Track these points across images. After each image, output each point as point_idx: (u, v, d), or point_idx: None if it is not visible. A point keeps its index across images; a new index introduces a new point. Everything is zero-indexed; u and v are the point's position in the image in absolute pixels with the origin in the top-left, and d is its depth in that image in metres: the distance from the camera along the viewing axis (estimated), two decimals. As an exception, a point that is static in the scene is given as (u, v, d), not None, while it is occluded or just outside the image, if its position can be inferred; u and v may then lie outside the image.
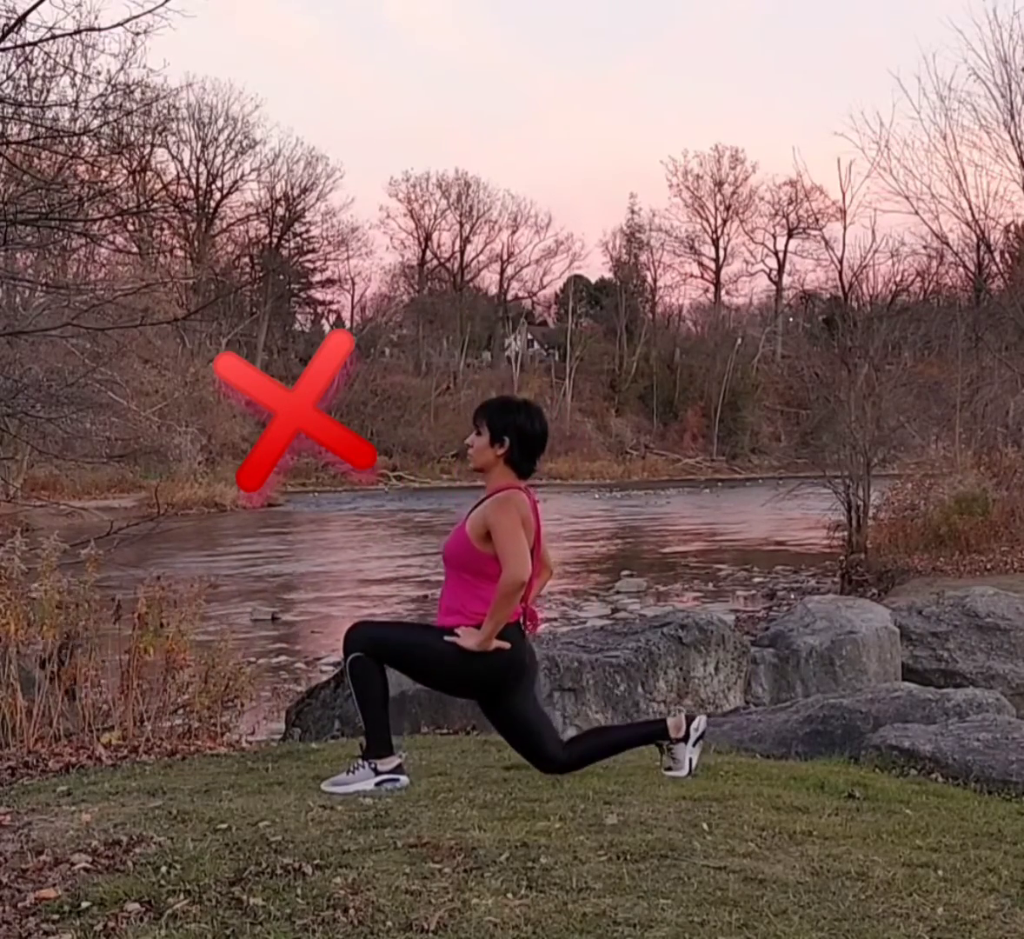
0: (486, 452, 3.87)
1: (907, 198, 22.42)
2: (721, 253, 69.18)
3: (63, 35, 7.16)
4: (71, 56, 8.30)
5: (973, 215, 22.68)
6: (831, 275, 27.01)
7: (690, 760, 4.02)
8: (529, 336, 67.81)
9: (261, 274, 56.96)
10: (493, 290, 68.77)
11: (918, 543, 16.25)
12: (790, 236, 66.92)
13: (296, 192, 58.42)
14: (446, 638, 3.75)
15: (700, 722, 4.08)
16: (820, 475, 19.20)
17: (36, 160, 9.82)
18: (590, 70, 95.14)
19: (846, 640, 8.11)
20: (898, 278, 27.90)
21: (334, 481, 50.74)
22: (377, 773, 3.76)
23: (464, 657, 3.73)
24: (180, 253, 48.88)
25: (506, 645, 3.74)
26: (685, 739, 4.02)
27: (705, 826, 3.29)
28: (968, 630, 9.31)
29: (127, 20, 6.88)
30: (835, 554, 18.58)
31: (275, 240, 59.29)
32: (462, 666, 3.76)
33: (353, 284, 64.24)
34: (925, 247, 25.59)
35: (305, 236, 61.50)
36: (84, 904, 2.57)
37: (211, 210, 55.73)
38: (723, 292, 70.07)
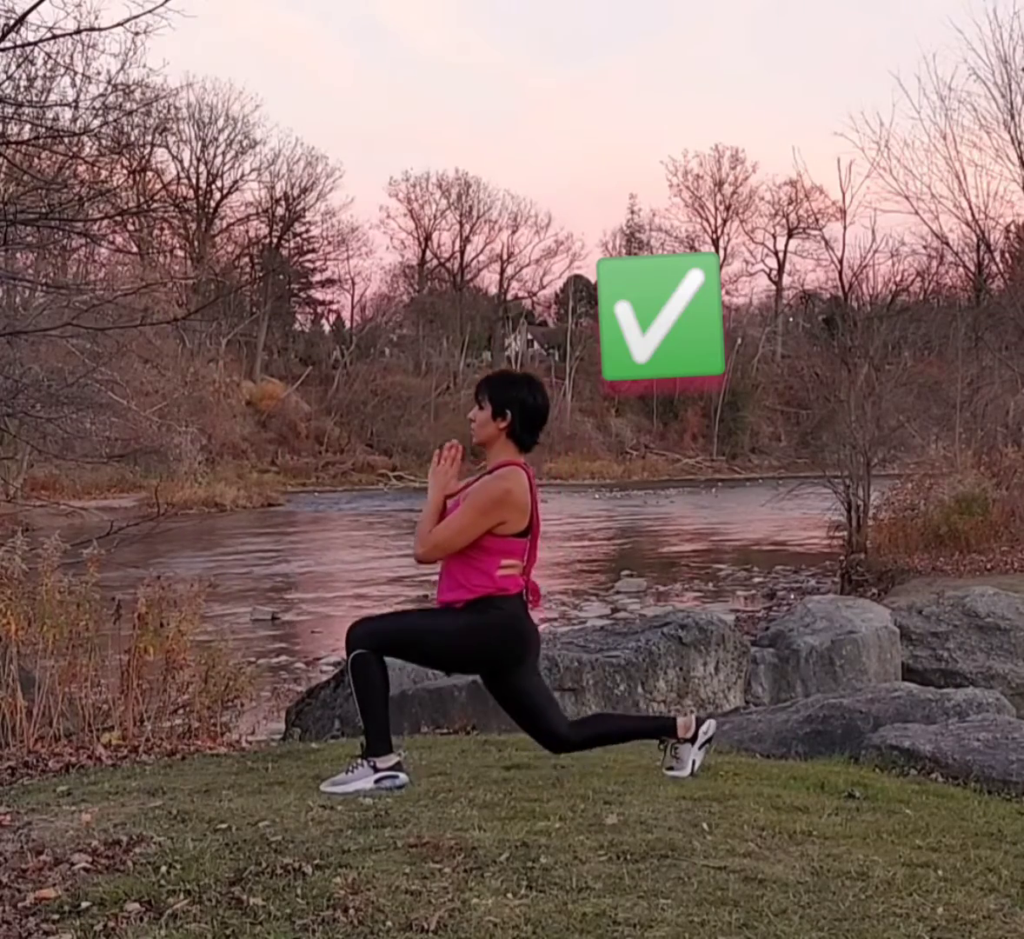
0: (488, 426, 3.88)
1: (907, 198, 22.46)
2: (721, 253, 68.99)
3: (63, 35, 7.17)
4: (71, 56, 8.31)
5: (973, 215, 22.72)
6: (831, 275, 26.98)
7: (694, 762, 4.01)
8: (529, 336, 67.81)
9: (261, 274, 56.95)
10: (493, 290, 68.79)
11: (918, 543, 16.24)
12: (790, 236, 66.93)
13: (296, 192, 58.44)
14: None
15: (710, 726, 4.07)
16: (820, 475, 19.19)
17: (36, 160, 9.82)
18: (590, 70, 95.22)
19: (846, 640, 8.11)
20: (898, 278, 27.87)
21: (334, 481, 50.80)
22: (376, 770, 3.76)
23: (466, 633, 3.76)
24: (180, 253, 48.88)
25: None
26: (692, 741, 4.02)
27: (705, 826, 3.29)
28: (968, 630, 9.31)
29: (127, 20, 6.88)
30: (835, 554, 18.58)
31: (275, 240, 59.28)
32: (465, 641, 3.78)
33: (353, 284, 64.25)
34: (925, 247, 25.61)
35: (305, 236, 61.52)
36: (84, 904, 2.57)
37: (211, 210, 55.72)
38: (723, 292, 70.00)
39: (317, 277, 63.61)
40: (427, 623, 3.88)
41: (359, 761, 3.78)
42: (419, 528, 3.85)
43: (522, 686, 3.91)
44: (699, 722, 4.05)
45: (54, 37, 7.21)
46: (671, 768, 4.02)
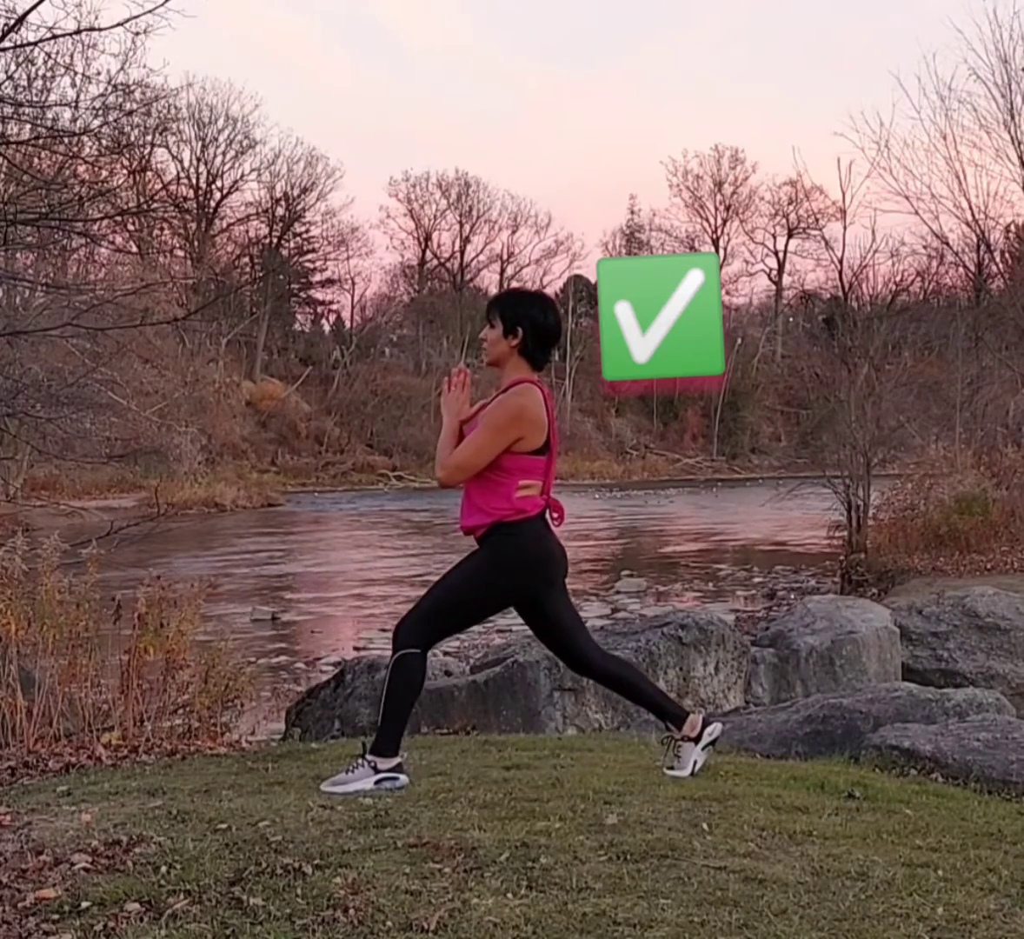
0: (500, 344, 3.88)
1: (907, 198, 22.46)
2: (721, 253, 68.98)
3: (63, 35, 7.17)
4: (71, 56, 8.32)
5: (973, 215, 22.72)
6: (831, 275, 27.04)
7: (695, 762, 4.00)
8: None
9: (261, 274, 56.95)
10: (493, 290, 68.75)
11: (918, 543, 16.25)
12: (790, 236, 66.93)
13: (296, 192, 58.43)
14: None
15: (716, 729, 4.05)
16: (820, 475, 19.19)
17: (36, 160, 9.83)
18: (590, 70, 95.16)
19: (846, 640, 8.11)
20: (898, 278, 27.88)
21: (334, 481, 50.81)
22: (376, 771, 3.75)
23: (495, 570, 3.79)
24: (180, 253, 48.87)
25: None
26: (696, 740, 4.00)
27: (705, 826, 3.29)
28: (968, 630, 9.31)
29: (127, 20, 6.88)
30: (835, 554, 18.57)
31: (275, 240, 59.28)
32: (497, 579, 3.81)
33: (353, 284, 64.24)
34: (925, 247, 25.62)
35: (305, 236, 61.51)
36: (84, 904, 2.56)
37: (211, 210, 55.71)
38: (723, 292, 70.03)
39: (317, 277, 63.63)
40: (456, 581, 3.85)
41: (360, 761, 3.78)
42: (439, 453, 3.82)
43: (555, 610, 3.93)
44: (706, 723, 4.04)
45: (54, 37, 7.21)
46: (671, 767, 4.01)
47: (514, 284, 68.64)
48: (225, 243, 58.10)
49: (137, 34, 7.10)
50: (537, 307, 3.91)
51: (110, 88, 8.54)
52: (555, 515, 3.89)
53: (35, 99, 8.78)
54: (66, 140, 9.17)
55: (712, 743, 4.05)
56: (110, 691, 5.47)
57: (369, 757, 3.77)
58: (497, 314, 3.89)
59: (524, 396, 3.79)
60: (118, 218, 10.10)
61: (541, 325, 3.86)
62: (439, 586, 3.89)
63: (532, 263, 68.19)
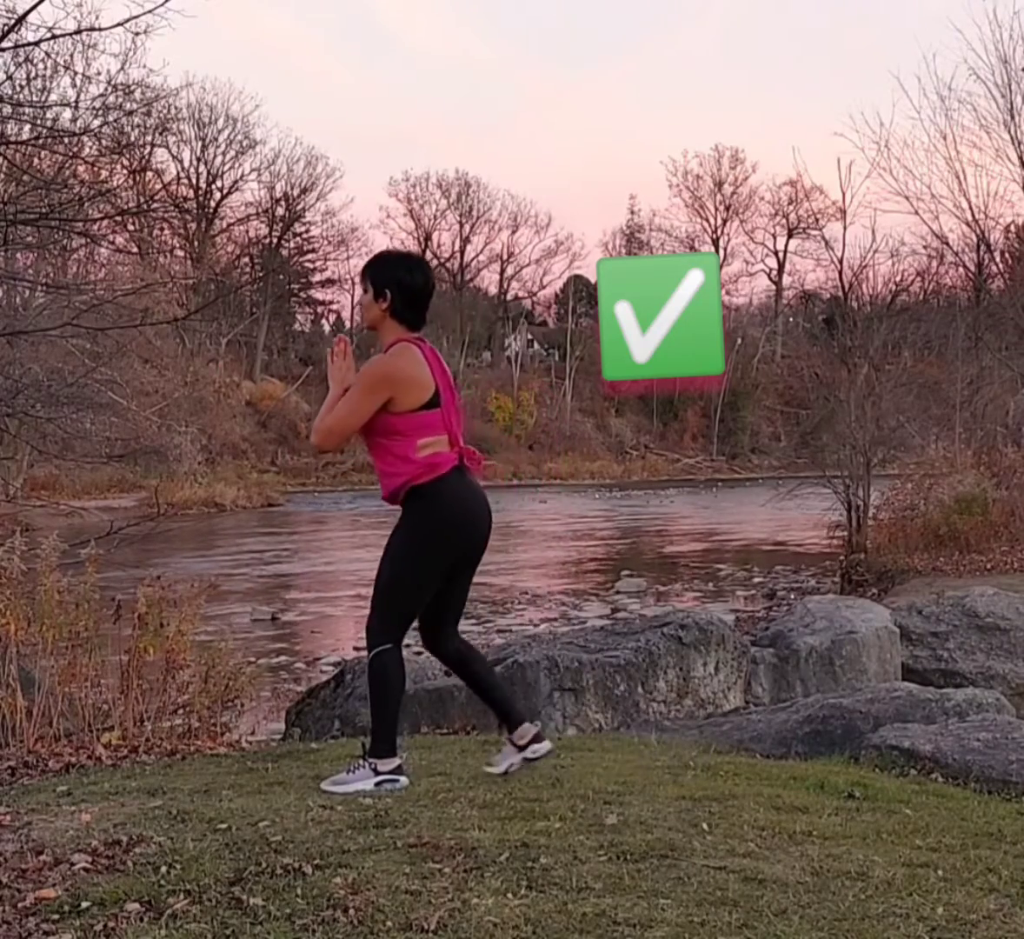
0: (372, 308, 3.90)
1: (907, 198, 22.48)
2: (721, 253, 69.02)
3: (63, 35, 7.16)
4: (71, 56, 8.31)
5: (973, 215, 22.73)
6: (831, 275, 27.07)
7: (511, 765, 3.90)
8: (529, 336, 67.79)
9: (261, 274, 56.97)
10: (493, 290, 68.84)
11: (918, 543, 16.25)
12: (790, 236, 66.95)
13: (296, 192, 58.47)
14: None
15: (541, 748, 3.93)
16: (820, 475, 19.19)
17: (36, 160, 9.83)
18: (590, 70, 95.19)
19: (846, 640, 8.10)
20: (898, 278, 27.95)
21: (334, 481, 50.81)
22: (377, 773, 3.75)
23: (419, 537, 3.79)
24: (180, 253, 48.88)
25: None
26: (521, 748, 3.93)
27: (705, 826, 3.29)
28: (968, 630, 9.30)
29: (127, 20, 6.87)
30: (835, 554, 18.57)
31: (275, 240, 59.29)
32: (424, 550, 3.79)
33: (353, 284, 64.20)
34: (925, 247, 25.64)
35: (305, 236, 61.54)
36: (84, 904, 2.56)
37: (211, 210, 55.72)
38: (723, 292, 70.03)
39: (317, 277, 63.67)
40: (389, 565, 3.86)
41: (360, 761, 3.78)
42: (316, 421, 3.83)
43: (459, 582, 3.92)
44: (537, 738, 3.94)
45: (54, 37, 7.20)
46: (489, 764, 3.96)
47: (514, 284, 68.78)
48: (225, 243, 58.12)
49: (137, 34, 7.10)
50: (403, 268, 3.90)
51: (110, 88, 8.54)
52: (470, 464, 3.85)
53: (35, 99, 8.80)
54: (66, 140, 9.16)
55: (534, 761, 3.92)
56: (110, 691, 5.47)
57: (369, 759, 3.77)
58: (367, 279, 3.90)
59: (396, 356, 3.77)
60: (118, 218, 10.09)
61: (408, 286, 3.86)
62: (379, 576, 3.89)
63: (532, 263, 68.22)
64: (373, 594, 3.89)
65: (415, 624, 3.94)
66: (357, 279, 3.93)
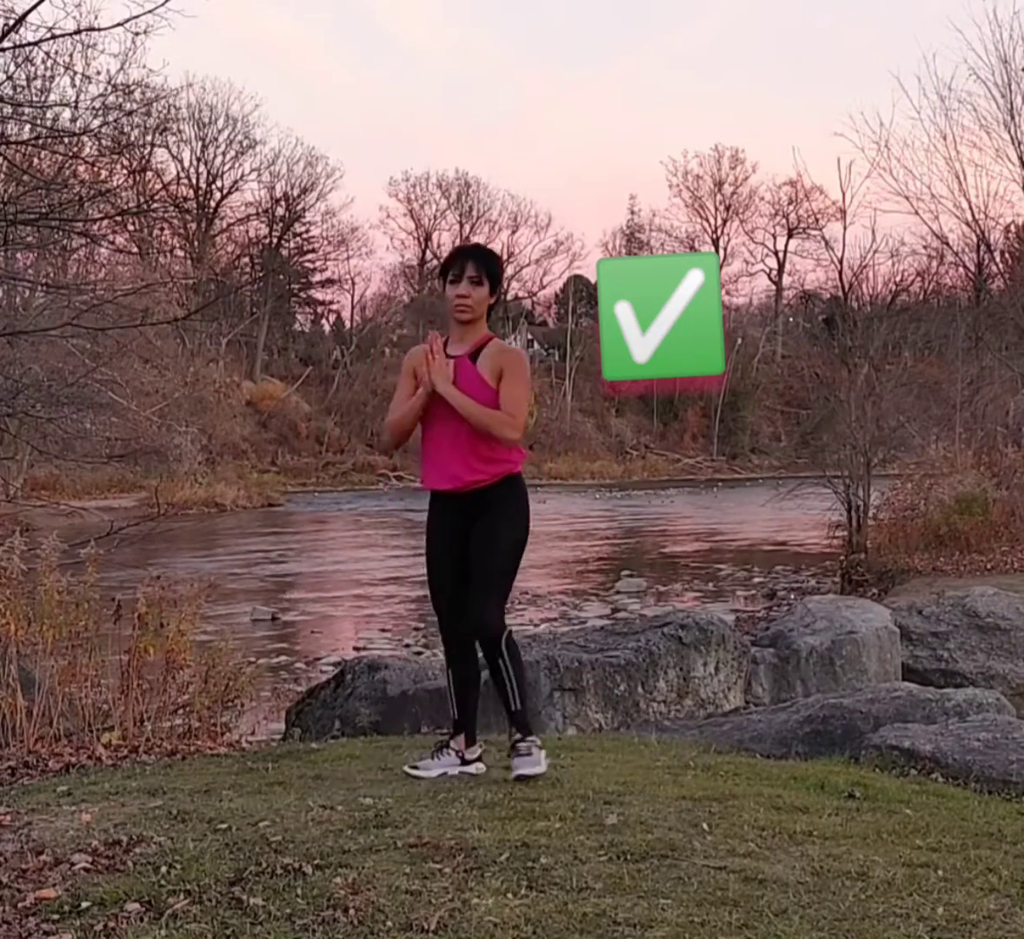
0: (483, 302, 3.96)
1: (907, 198, 22.48)
2: (721, 253, 69.00)
3: (63, 35, 7.15)
4: (71, 56, 8.30)
5: (973, 215, 22.73)
6: (831, 275, 27.03)
7: (440, 773, 3.93)
8: (529, 336, 67.77)
9: (261, 274, 56.95)
10: (493, 290, 68.70)
11: (918, 543, 16.24)
12: (790, 236, 66.93)
13: (296, 192, 58.40)
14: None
15: (476, 768, 4.00)
16: (820, 475, 19.19)
17: (36, 160, 9.82)
18: (589, 70, 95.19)
19: (846, 640, 8.10)
20: (898, 278, 27.93)
21: (334, 481, 50.80)
22: (464, 762, 3.89)
23: (523, 524, 3.90)
24: (180, 253, 48.88)
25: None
26: (462, 761, 3.99)
27: (705, 826, 3.29)
28: (968, 630, 9.30)
29: (127, 20, 6.86)
30: (835, 554, 18.57)
31: (275, 240, 59.26)
32: (525, 531, 3.92)
33: (353, 284, 64.22)
34: (925, 247, 25.63)
35: (305, 236, 61.49)
36: (84, 904, 2.56)
37: (211, 210, 55.69)
38: (723, 292, 70.04)
39: (317, 277, 63.61)
40: (504, 547, 3.87)
41: (531, 747, 3.81)
42: (487, 417, 3.80)
43: None
44: (476, 760, 4.02)
45: (54, 37, 7.19)
46: (414, 767, 3.98)
47: (514, 284, 68.75)
48: (225, 243, 58.09)
49: (137, 34, 7.09)
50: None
51: (110, 88, 8.54)
52: None
53: (35, 99, 8.78)
54: (66, 140, 9.16)
55: (466, 775, 3.96)
56: (110, 691, 5.47)
57: (530, 738, 3.83)
58: (483, 271, 3.91)
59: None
60: (118, 218, 10.09)
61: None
62: (491, 560, 3.86)
63: (532, 263, 68.16)
64: (484, 585, 3.85)
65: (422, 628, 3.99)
66: (456, 267, 3.77)
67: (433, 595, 4.06)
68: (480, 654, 3.97)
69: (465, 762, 4.00)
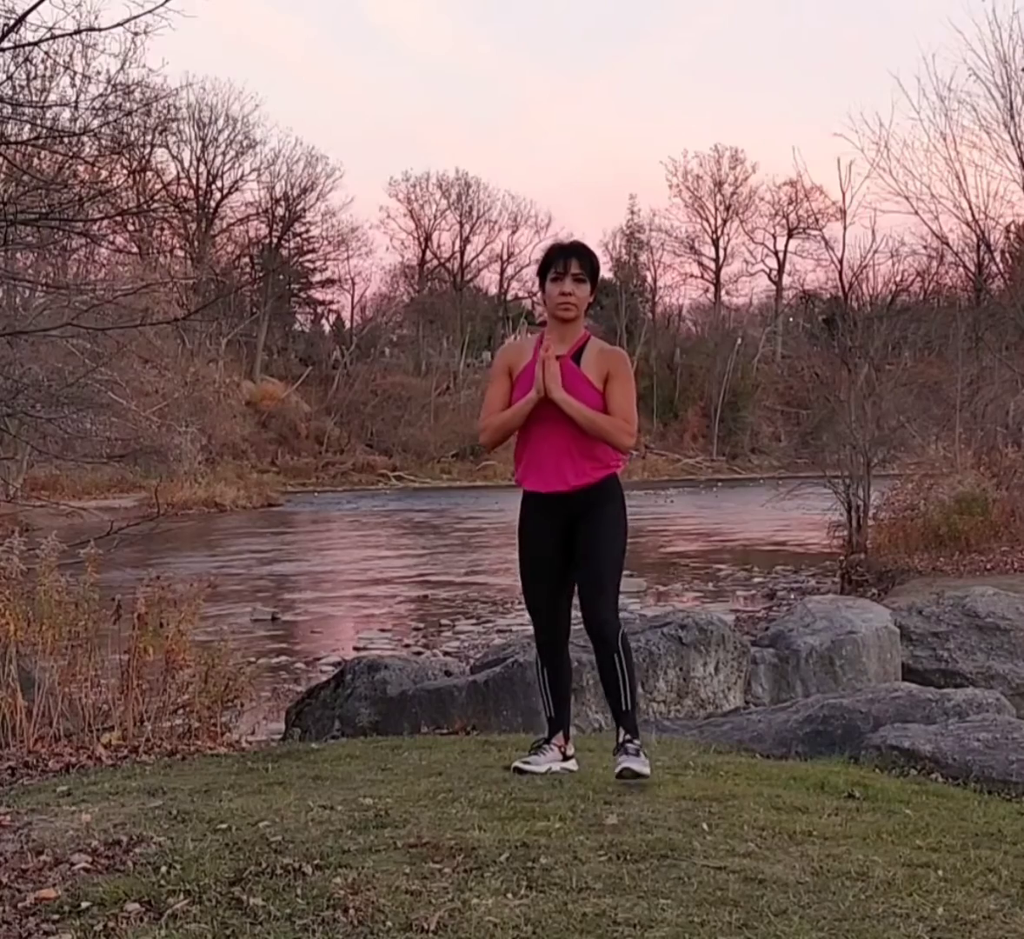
0: (584, 302, 3.91)
1: (907, 198, 22.41)
2: (721, 253, 69.19)
3: (63, 35, 7.14)
4: (71, 56, 8.28)
5: (973, 215, 22.68)
6: (831, 275, 26.94)
7: (548, 769, 3.94)
8: (529, 336, 67.72)
9: (261, 274, 56.94)
10: (493, 290, 68.78)
11: (918, 543, 16.25)
12: (790, 236, 66.91)
13: (296, 192, 58.40)
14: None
15: (573, 764, 4.05)
16: (820, 475, 19.19)
17: (36, 160, 9.81)
18: (589, 70, 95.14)
19: (846, 640, 8.10)
20: (898, 278, 27.84)
21: (334, 481, 50.80)
22: (566, 758, 3.91)
23: (626, 523, 3.94)
24: (180, 253, 48.85)
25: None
26: (563, 757, 4.03)
27: (705, 826, 3.29)
28: (968, 630, 9.30)
29: (127, 20, 6.84)
30: (835, 554, 18.57)
31: (275, 240, 59.26)
32: (627, 529, 3.95)
33: (353, 284, 64.20)
34: (925, 247, 25.58)
35: (305, 236, 61.47)
36: (84, 904, 2.56)
37: (211, 210, 55.71)
38: (723, 292, 70.02)
39: (317, 277, 63.59)
40: (619, 545, 3.91)
41: (633, 747, 3.79)
42: (605, 424, 3.81)
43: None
44: (571, 758, 4.06)
45: (54, 37, 7.18)
46: (526, 763, 3.99)
47: (514, 284, 68.76)
48: (225, 243, 58.09)
49: (137, 34, 7.07)
50: None
51: (110, 88, 8.54)
52: None
53: (35, 99, 8.76)
54: (66, 140, 9.15)
55: (565, 771, 3.98)
56: (110, 691, 5.47)
57: (636, 741, 3.81)
58: (586, 271, 3.86)
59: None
60: (118, 218, 10.07)
61: None
62: (604, 559, 3.87)
63: (532, 263, 67.94)
64: (601, 584, 3.89)
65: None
66: (555, 265, 3.75)
67: (530, 595, 4.07)
68: (590, 652, 4.02)
69: (565, 758, 4.02)
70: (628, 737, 3.81)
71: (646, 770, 3.75)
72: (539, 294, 4.04)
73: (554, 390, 3.78)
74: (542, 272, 3.94)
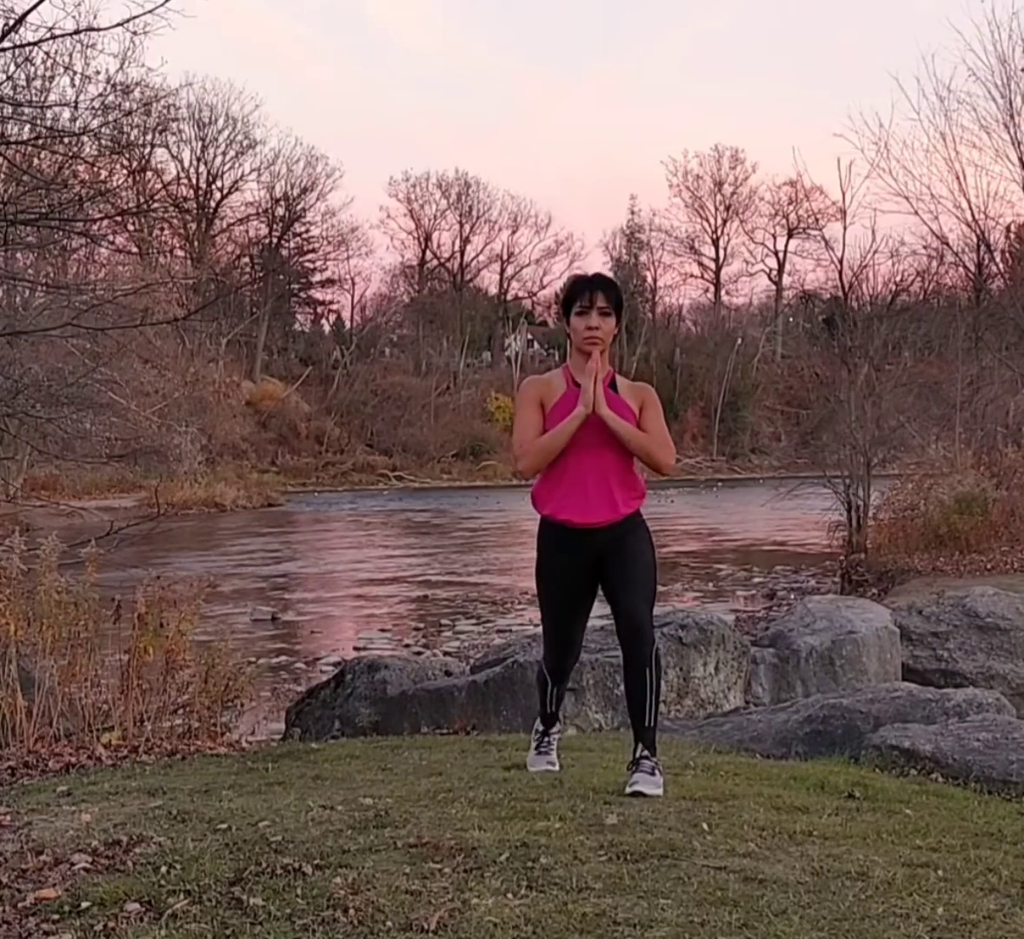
0: (612, 334, 3.89)
1: (907, 198, 22.42)
2: (721, 253, 69.24)
3: (63, 35, 7.14)
4: (71, 56, 8.28)
5: (973, 215, 22.69)
6: (831, 275, 26.97)
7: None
8: (529, 336, 67.77)
9: (261, 274, 56.96)
10: (493, 290, 68.85)
11: (918, 543, 16.25)
12: (790, 236, 66.96)
13: (296, 192, 58.47)
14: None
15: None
16: (820, 475, 19.19)
17: (36, 160, 9.81)
18: (589, 70, 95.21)
19: (846, 640, 8.10)
20: (898, 278, 27.87)
21: (334, 481, 50.81)
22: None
23: (652, 547, 3.98)
24: (180, 253, 48.90)
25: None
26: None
27: (705, 826, 3.29)
28: (968, 630, 9.30)
29: (127, 20, 6.85)
30: (835, 554, 18.58)
31: (275, 240, 59.28)
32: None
33: (353, 284, 64.28)
34: (925, 247, 25.58)
35: (305, 236, 61.51)
36: (84, 904, 2.56)
37: (211, 210, 55.73)
38: (723, 292, 70.09)
39: (317, 277, 63.65)
40: (652, 566, 3.91)
41: (650, 765, 3.73)
42: (648, 441, 3.85)
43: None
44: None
45: (54, 37, 7.18)
46: (552, 763, 4.09)
47: (514, 284, 68.79)
48: (225, 243, 58.14)
49: (136, 34, 7.07)
50: None
51: (109, 88, 8.54)
52: None
53: (35, 99, 8.77)
54: (66, 140, 9.15)
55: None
56: (110, 691, 5.47)
57: (654, 758, 3.76)
58: (611, 303, 3.82)
59: None
60: (118, 218, 10.08)
61: None
62: (643, 578, 3.85)
63: (532, 263, 68.12)
64: (644, 599, 3.84)
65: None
66: (580, 298, 3.78)
67: (559, 631, 4.00)
68: (633, 666, 3.79)
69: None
70: (646, 753, 3.77)
71: (658, 791, 3.67)
72: (563, 324, 4.00)
73: (602, 406, 3.77)
74: (566, 305, 3.89)
